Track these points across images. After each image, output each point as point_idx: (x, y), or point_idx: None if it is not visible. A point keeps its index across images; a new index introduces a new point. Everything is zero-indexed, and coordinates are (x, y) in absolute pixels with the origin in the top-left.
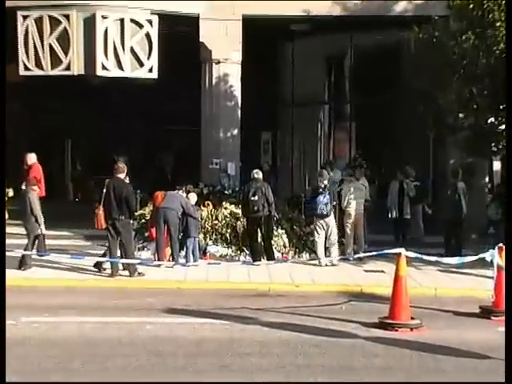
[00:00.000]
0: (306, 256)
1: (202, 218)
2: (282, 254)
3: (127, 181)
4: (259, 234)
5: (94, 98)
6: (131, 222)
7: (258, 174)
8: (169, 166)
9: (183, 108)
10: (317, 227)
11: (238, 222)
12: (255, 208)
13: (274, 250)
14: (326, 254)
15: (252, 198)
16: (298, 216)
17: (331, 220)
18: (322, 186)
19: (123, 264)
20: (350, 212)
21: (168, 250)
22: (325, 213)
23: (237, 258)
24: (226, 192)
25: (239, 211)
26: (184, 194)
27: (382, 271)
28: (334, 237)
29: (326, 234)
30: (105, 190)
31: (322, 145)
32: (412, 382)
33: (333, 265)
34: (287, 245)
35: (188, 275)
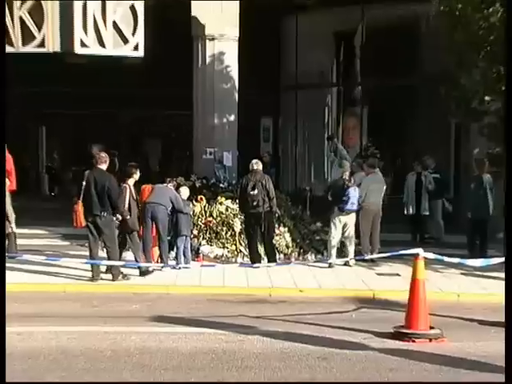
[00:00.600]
0: (311, 257)
1: (194, 215)
2: (285, 254)
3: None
4: (259, 233)
5: (73, 79)
6: (114, 219)
7: (257, 164)
8: (157, 155)
9: (173, 91)
10: (336, 224)
11: (236, 219)
12: (254, 203)
13: (276, 250)
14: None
15: (251, 192)
16: (303, 212)
17: (354, 217)
18: (347, 178)
19: (107, 267)
20: (367, 208)
21: (156, 251)
22: (355, 208)
23: (233, 260)
24: (222, 185)
25: (236, 207)
26: (174, 188)
27: (398, 274)
28: (352, 235)
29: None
30: (84, 183)
31: (329, 132)
32: None
33: (348, 265)
34: (290, 245)
35: (178, 279)
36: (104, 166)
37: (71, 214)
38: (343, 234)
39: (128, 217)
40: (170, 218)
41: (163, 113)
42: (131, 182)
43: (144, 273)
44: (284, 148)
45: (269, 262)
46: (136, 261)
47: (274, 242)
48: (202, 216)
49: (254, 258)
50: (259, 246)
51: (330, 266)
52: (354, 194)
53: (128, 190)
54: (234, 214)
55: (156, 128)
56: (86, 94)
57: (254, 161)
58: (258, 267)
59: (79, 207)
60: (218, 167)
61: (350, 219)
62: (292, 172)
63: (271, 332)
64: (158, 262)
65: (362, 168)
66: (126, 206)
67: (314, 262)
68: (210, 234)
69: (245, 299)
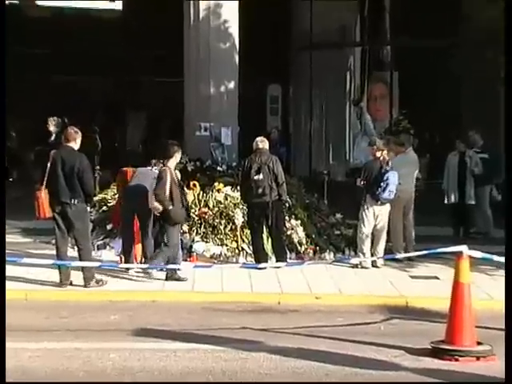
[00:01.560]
0: (329, 256)
1: None
2: (297, 253)
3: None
4: (265, 227)
5: (34, 38)
6: (88, 208)
7: (262, 143)
8: (140, 132)
9: (160, 53)
10: (368, 215)
11: (237, 210)
12: (259, 191)
13: (286, 248)
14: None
15: (255, 177)
16: (319, 201)
17: (388, 207)
18: (385, 160)
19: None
20: (399, 196)
21: (139, 249)
22: (392, 197)
23: (234, 260)
24: (220, 169)
25: (237, 195)
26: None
27: (436, 277)
28: (385, 229)
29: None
30: (49, 165)
31: (351, 102)
32: None
33: (375, 266)
34: (304, 241)
35: (167, 283)
36: (74, 144)
37: (33, 204)
38: (374, 227)
39: (170, 207)
40: None
41: (148, 80)
42: (172, 163)
43: (172, 277)
44: (296, 122)
45: (277, 261)
46: (167, 262)
47: (283, 237)
48: (196, 206)
49: (260, 258)
50: (265, 243)
51: (361, 266)
52: (393, 179)
53: (169, 174)
54: (234, 204)
55: (139, 98)
56: (52, 57)
57: (259, 138)
58: (265, 268)
59: (42, 194)
60: (214, 146)
61: (385, 210)
62: (306, 152)
63: (280, 348)
64: (141, 262)
65: (391, 146)
66: (167, 193)
67: (333, 261)
68: (205, 228)
69: (248, 308)
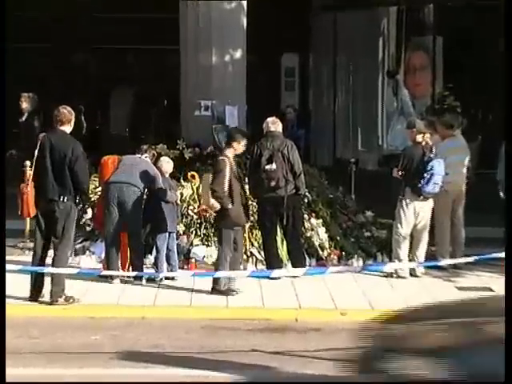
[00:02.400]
0: (358, 263)
1: (182, 201)
2: (318, 259)
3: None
4: (279, 227)
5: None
6: (80, 207)
7: (275, 125)
8: (126, 111)
9: (151, 15)
10: (407, 212)
11: None
12: (272, 183)
13: (305, 252)
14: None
15: (267, 167)
16: (346, 196)
17: (431, 203)
18: (428, 145)
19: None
20: (445, 189)
21: (126, 254)
22: (437, 190)
23: (241, 267)
24: None
25: (246, 189)
26: (151, 160)
27: (489, 289)
28: (427, 230)
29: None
30: (36, 152)
31: (385, 75)
32: None
33: (415, 275)
34: (326, 244)
35: (159, 296)
36: (68, 128)
37: (17, 200)
38: (414, 227)
39: (230, 205)
40: (146, 206)
41: (135, 48)
42: (231, 153)
43: (222, 292)
44: (317, 100)
45: (294, 269)
46: (216, 269)
47: (301, 240)
48: (195, 202)
49: (273, 264)
50: (280, 247)
51: (397, 275)
52: (438, 169)
53: (228, 166)
54: None
55: (125, 71)
56: (21, 20)
57: (271, 119)
58: (279, 278)
59: (29, 189)
60: (217, 129)
61: (427, 207)
62: (329, 136)
63: (298, 375)
64: (128, 270)
65: (436, 129)
66: (226, 188)
67: (362, 269)
68: (206, 229)
69: (258, 326)
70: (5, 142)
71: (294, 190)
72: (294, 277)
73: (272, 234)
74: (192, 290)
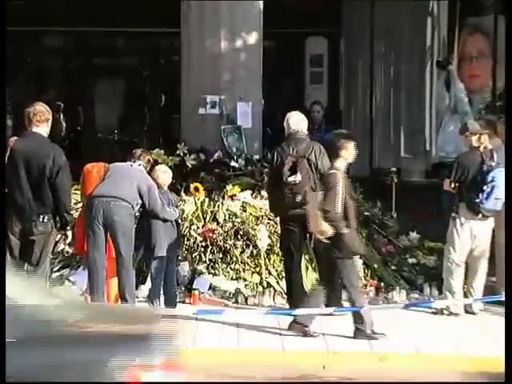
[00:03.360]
0: (400, 297)
1: (183, 219)
2: None
3: None
4: (305, 252)
5: None
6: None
7: (299, 123)
8: (115, 109)
9: None
10: (461, 234)
11: (260, 227)
12: (298, 198)
13: None
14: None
15: (290, 179)
16: (385, 214)
17: (491, 223)
18: (487, 152)
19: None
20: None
21: (114, 285)
22: (498, 208)
23: (256, 301)
24: (234, 164)
25: (262, 203)
26: (146, 169)
27: None
28: (486, 257)
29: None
30: (6, 161)
31: (435, 65)
32: None
33: (471, 312)
34: (361, 273)
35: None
36: (44, 129)
37: None
38: (470, 252)
39: (345, 230)
40: (139, 226)
41: (127, 31)
42: (341, 164)
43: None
44: (349, 95)
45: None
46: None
47: None
48: (199, 221)
49: (296, 299)
50: (304, 276)
51: (449, 311)
52: (501, 180)
53: (341, 181)
54: (256, 218)
55: (114, 59)
56: None
57: (293, 116)
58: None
59: None
60: (227, 131)
61: (487, 227)
62: (365, 140)
63: None
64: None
65: (496, 131)
66: (340, 208)
67: (406, 305)
68: (212, 253)
69: (278, 375)
70: (5, 141)
71: None
72: (322, 315)
73: (296, 261)
74: (195, 330)
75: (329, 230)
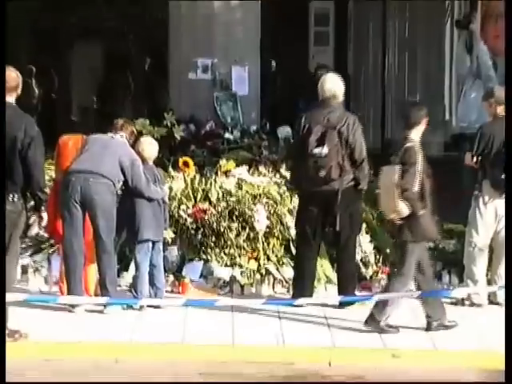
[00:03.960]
0: (416, 285)
1: (171, 198)
2: (361, 279)
3: None
4: (317, 236)
5: None
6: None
7: (336, 89)
8: (94, 76)
9: None
10: (484, 216)
11: (258, 207)
12: (322, 173)
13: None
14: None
15: (316, 151)
16: None
17: None
18: None
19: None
20: None
21: (92, 273)
22: None
23: (253, 291)
24: (229, 136)
25: (259, 181)
26: (129, 142)
27: None
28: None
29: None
30: None
31: (454, 25)
32: None
33: (495, 303)
34: (372, 259)
35: (138, 330)
36: (13, 98)
37: None
38: (495, 235)
39: (421, 211)
40: (121, 205)
41: None
42: (416, 136)
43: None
44: (359, 58)
45: (341, 293)
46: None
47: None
48: (189, 200)
49: (301, 288)
50: (319, 264)
51: (471, 301)
52: None
53: (420, 156)
54: (254, 196)
55: (93, 19)
56: None
57: (330, 79)
58: (302, 306)
59: None
60: (220, 98)
61: None
62: (376, 108)
63: None
64: (95, 295)
65: None
66: (417, 187)
67: (422, 294)
68: (204, 237)
69: (277, 373)
70: (5, 142)
71: (351, 183)
72: (325, 306)
73: (312, 245)
74: (184, 323)
75: (405, 211)
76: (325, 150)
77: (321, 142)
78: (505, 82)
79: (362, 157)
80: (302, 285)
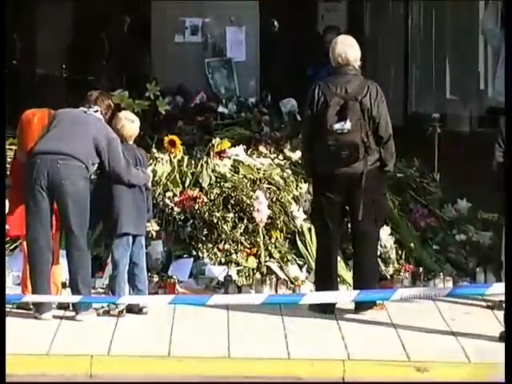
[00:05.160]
0: (445, 285)
1: (155, 183)
2: (381, 278)
3: None
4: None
5: None
6: None
7: (351, 54)
8: (62, 38)
9: None
10: None
11: (258, 194)
12: (344, 152)
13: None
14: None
15: (337, 126)
16: (424, 175)
17: None
18: None
19: None
20: None
21: (61, 271)
22: None
23: (252, 291)
24: (223, 110)
25: (261, 162)
26: (105, 118)
27: None
28: None
29: None
30: None
31: None
32: None
33: None
34: (393, 254)
35: (118, 338)
36: None
37: None
38: None
39: None
40: (96, 192)
41: None
42: None
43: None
44: (376, 18)
45: (362, 287)
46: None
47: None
48: (176, 186)
49: (323, 282)
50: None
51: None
52: None
53: None
54: (253, 181)
55: None
56: None
57: (344, 44)
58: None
59: None
60: (213, 65)
61: None
62: (398, 78)
63: None
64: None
65: None
66: None
67: (450, 294)
68: (194, 229)
69: None
70: (5, 141)
71: (377, 163)
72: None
73: (335, 238)
74: (171, 329)
75: None
76: (347, 124)
77: (342, 116)
78: (505, 82)
79: (388, 133)
80: (331, 286)
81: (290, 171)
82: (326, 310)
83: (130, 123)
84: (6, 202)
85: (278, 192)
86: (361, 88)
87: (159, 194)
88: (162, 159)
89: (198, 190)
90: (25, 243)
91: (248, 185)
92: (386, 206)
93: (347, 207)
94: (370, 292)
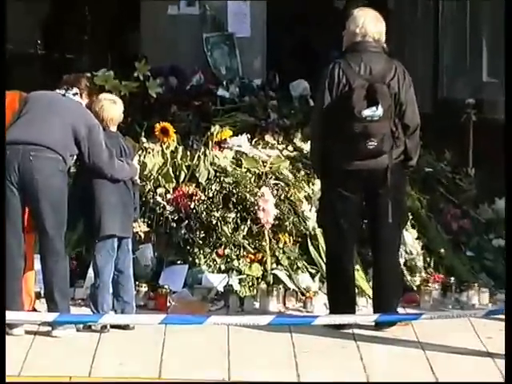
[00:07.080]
0: (480, 297)
1: (144, 178)
2: (405, 290)
3: None
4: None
5: None
6: None
7: (374, 28)
8: (36, 10)
9: None
10: None
11: (264, 190)
12: (370, 144)
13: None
14: None
15: (366, 113)
16: (456, 170)
17: None
18: None
19: None
20: None
21: (34, 276)
22: None
23: (257, 305)
24: (224, 93)
25: (267, 154)
26: (86, 102)
27: None
28: None
29: None
30: None
31: None
32: None
33: None
34: (420, 262)
35: (98, 361)
36: None
37: None
38: None
39: None
40: (75, 188)
41: None
42: None
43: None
44: None
45: (379, 309)
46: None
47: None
48: (169, 182)
49: (347, 305)
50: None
51: None
52: None
53: None
54: (258, 176)
55: None
56: None
57: (365, 17)
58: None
59: None
60: (212, 41)
61: None
62: (426, 56)
63: None
64: (35, 309)
65: None
66: None
67: (490, 311)
68: (190, 231)
69: None
70: (4, 139)
71: (401, 157)
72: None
73: (346, 242)
74: (161, 350)
75: None
76: (379, 111)
77: (371, 101)
78: (505, 82)
79: (416, 122)
80: (345, 300)
81: (300, 165)
82: (343, 326)
83: (111, 104)
84: None
85: (286, 189)
86: (388, 69)
87: (149, 190)
88: (153, 150)
89: (194, 185)
90: None
91: (252, 180)
92: (406, 207)
93: (366, 208)
94: (393, 314)
